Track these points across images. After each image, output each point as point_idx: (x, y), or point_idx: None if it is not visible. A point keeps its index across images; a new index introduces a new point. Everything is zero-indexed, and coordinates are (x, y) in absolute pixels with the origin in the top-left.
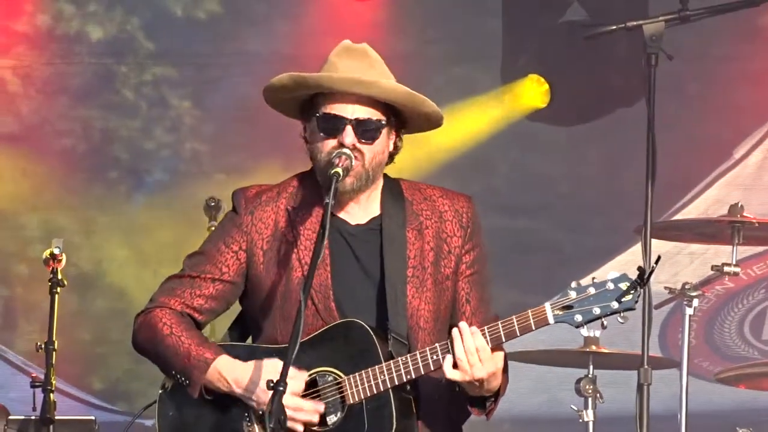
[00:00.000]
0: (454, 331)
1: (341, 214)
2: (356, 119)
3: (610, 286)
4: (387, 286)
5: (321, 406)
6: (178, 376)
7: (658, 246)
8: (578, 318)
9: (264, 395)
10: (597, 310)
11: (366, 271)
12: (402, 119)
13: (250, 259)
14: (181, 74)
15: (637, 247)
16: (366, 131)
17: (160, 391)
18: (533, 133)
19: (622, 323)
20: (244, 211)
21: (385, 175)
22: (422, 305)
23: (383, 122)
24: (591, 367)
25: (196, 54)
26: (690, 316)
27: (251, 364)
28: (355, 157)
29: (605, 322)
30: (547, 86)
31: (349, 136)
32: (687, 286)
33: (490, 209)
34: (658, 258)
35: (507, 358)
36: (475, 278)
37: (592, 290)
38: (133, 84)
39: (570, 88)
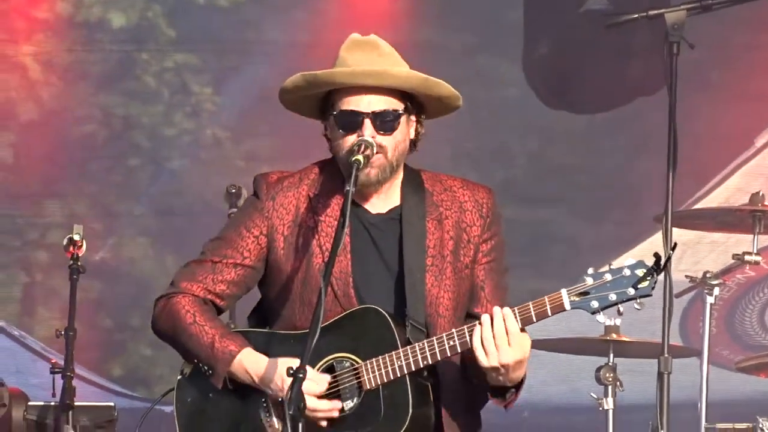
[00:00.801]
0: (485, 316)
1: (362, 202)
2: (373, 112)
3: (627, 272)
4: (406, 274)
5: (338, 404)
6: (201, 365)
7: (679, 235)
8: (594, 304)
9: (285, 389)
10: (613, 297)
11: (385, 260)
12: (420, 105)
13: (271, 244)
14: (203, 61)
15: (658, 237)
16: (384, 122)
17: (179, 377)
18: (553, 122)
19: (638, 309)
20: (265, 197)
21: (406, 166)
22: (441, 293)
23: (400, 111)
24: (611, 355)
25: (218, 41)
26: (711, 304)
27: (276, 359)
28: (377, 150)
29: (621, 309)
30: None
31: (368, 129)
32: (708, 275)
33: (509, 200)
34: (675, 245)
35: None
36: (491, 266)
37: (608, 276)
38: (155, 71)
39: (591, 78)
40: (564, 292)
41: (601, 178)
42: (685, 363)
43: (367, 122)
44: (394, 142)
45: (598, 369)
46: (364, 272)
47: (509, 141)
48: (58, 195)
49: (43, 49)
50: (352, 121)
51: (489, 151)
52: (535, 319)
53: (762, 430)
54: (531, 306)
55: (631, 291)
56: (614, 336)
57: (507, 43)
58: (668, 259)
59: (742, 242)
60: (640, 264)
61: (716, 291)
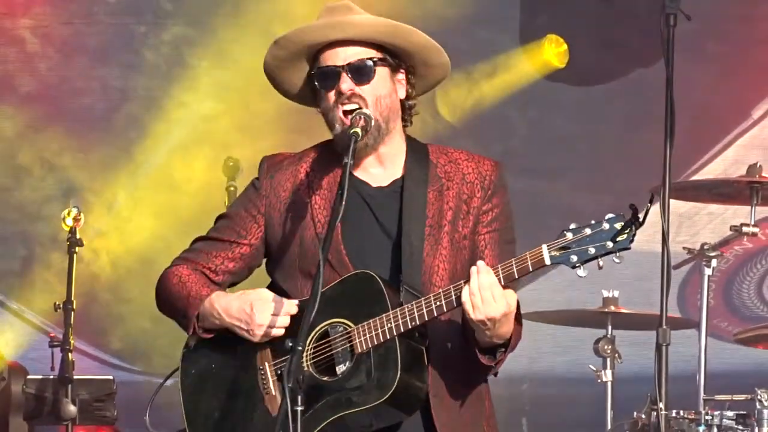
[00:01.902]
0: (472, 268)
1: (362, 176)
2: (348, 64)
3: (606, 226)
4: (403, 241)
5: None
6: (179, 318)
7: (676, 206)
8: (573, 258)
9: (247, 316)
10: (592, 250)
11: (385, 229)
12: (406, 63)
13: (268, 222)
14: (200, 34)
15: (655, 208)
16: (360, 72)
17: (184, 350)
18: (552, 93)
19: (618, 263)
20: (264, 176)
21: (413, 139)
22: (437, 263)
23: (376, 59)
24: (610, 327)
25: (215, 14)
26: (709, 276)
27: (240, 293)
28: (359, 104)
29: (601, 263)
30: (565, 46)
31: (345, 82)
32: (705, 247)
33: (509, 171)
34: (652, 197)
35: (520, 306)
36: (492, 236)
37: (588, 231)
38: (152, 43)
39: (589, 49)
40: (544, 247)
41: (599, 150)
42: (684, 335)
43: (344, 75)
44: (375, 95)
45: (597, 341)
46: (358, 239)
47: (508, 111)
48: (57, 168)
49: (41, 23)
50: (330, 77)
51: (488, 122)
52: (516, 275)
53: (760, 401)
54: (513, 262)
55: (610, 244)
56: (613, 308)
57: (505, 14)
58: (646, 211)
59: (740, 214)
60: (618, 217)
61: (714, 263)
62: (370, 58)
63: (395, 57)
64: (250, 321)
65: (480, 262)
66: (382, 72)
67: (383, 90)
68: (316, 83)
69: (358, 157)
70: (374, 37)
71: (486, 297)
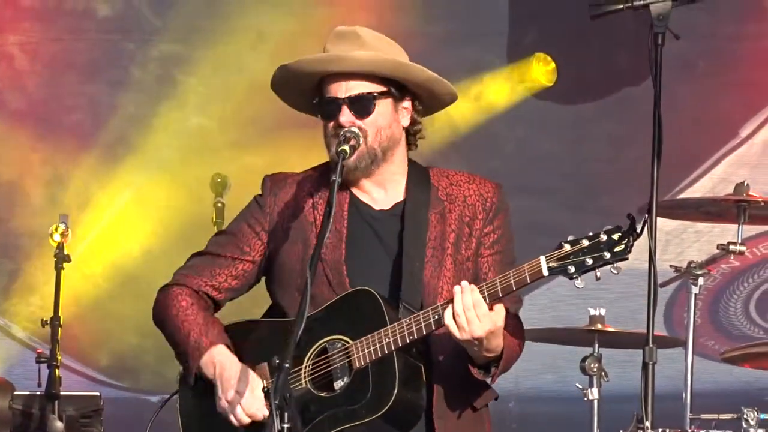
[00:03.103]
0: (456, 287)
1: (366, 200)
2: (349, 97)
3: (603, 237)
4: (404, 262)
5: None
6: (178, 355)
7: (663, 224)
8: (571, 269)
9: (225, 394)
10: (590, 261)
11: (387, 251)
12: (413, 93)
13: (272, 240)
14: (188, 51)
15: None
16: (361, 107)
17: (179, 374)
18: (539, 112)
19: (615, 274)
20: (268, 193)
21: (414, 162)
22: (441, 284)
23: (376, 93)
24: (596, 345)
25: (203, 30)
26: (695, 294)
27: (241, 367)
28: (359, 136)
29: (599, 274)
30: (553, 65)
31: (344, 115)
32: (692, 265)
33: None
34: (649, 209)
35: (522, 323)
36: (495, 258)
37: (585, 242)
38: (140, 60)
39: (577, 67)
40: (542, 258)
41: (586, 168)
42: (670, 353)
43: (344, 108)
44: (375, 128)
45: (584, 359)
46: (360, 261)
47: (495, 130)
48: (44, 184)
49: (30, 39)
50: (331, 108)
51: (475, 140)
52: (515, 287)
53: (746, 420)
54: (511, 274)
55: (607, 255)
56: (599, 326)
57: (492, 32)
58: (644, 222)
59: (727, 232)
60: (616, 228)
61: (701, 281)
62: (371, 93)
63: (400, 87)
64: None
65: (464, 282)
66: (383, 104)
67: (383, 122)
68: (317, 113)
69: (357, 180)
70: (376, 72)
71: (470, 317)
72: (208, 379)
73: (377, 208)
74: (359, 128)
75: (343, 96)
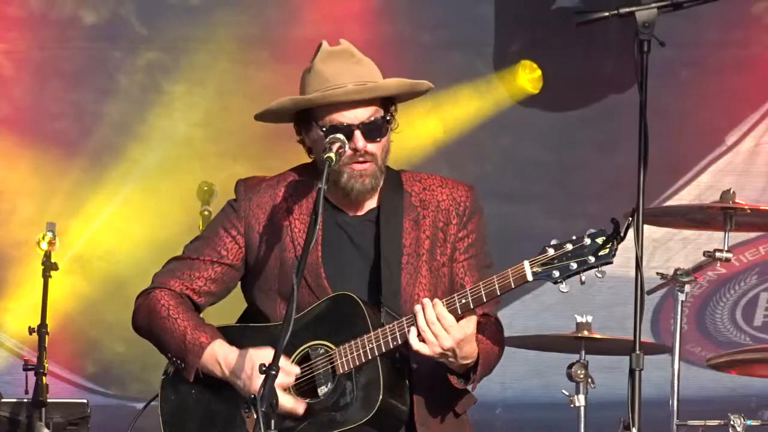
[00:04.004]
0: (417, 306)
1: (339, 205)
2: (361, 123)
3: (587, 241)
4: (383, 266)
5: (302, 404)
6: (174, 358)
7: (650, 232)
8: (555, 274)
9: (252, 382)
10: (574, 265)
11: (362, 255)
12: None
13: (248, 243)
14: (174, 59)
15: (629, 233)
16: (373, 132)
17: (163, 377)
18: (525, 119)
19: (600, 278)
20: (242, 198)
21: (387, 167)
22: (417, 291)
23: (387, 118)
24: (583, 352)
25: (190, 39)
26: (682, 302)
27: (246, 352)
28: (368, 159)
29: (583, 278)
30: (539, 72)
31: (360, 141)
32: (679, 272)
33: (482, 195)
34: (633, 213)
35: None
36: (471, 262)
37: (569, 246)
38: (127, 69)
39: (562, 75)
40: (526, 263)
41: (572, 175)
42: (657, 360)
43: (358, 134)
44: (383, 149)
45: (570, 366)
46: (336, 263)
47: (481, 137)
48: (31, 192)
49: (16, 47)
50: (344, 134)
51: (461, 147)
52: (499, 292)
53: (733, 427)
54: (495, 279)
55: (592, 259)
56: (586, 333)
57: (478, 39)
58: (628, 226)
59: (714, 239)
60: (600, 232)
61: (687, 288)
62: (383, 117)
63: (390, 101)
64: (249, 384)
65: (425, 300)
66: (388, 124)
67: (386, 141)
68: (323, 136)
69: (344, 192)
70: (392, 95)
71: (436, 331)
72: (213, 376)
73: (351, 213)
74: (370, 153)
75: (355, 122)
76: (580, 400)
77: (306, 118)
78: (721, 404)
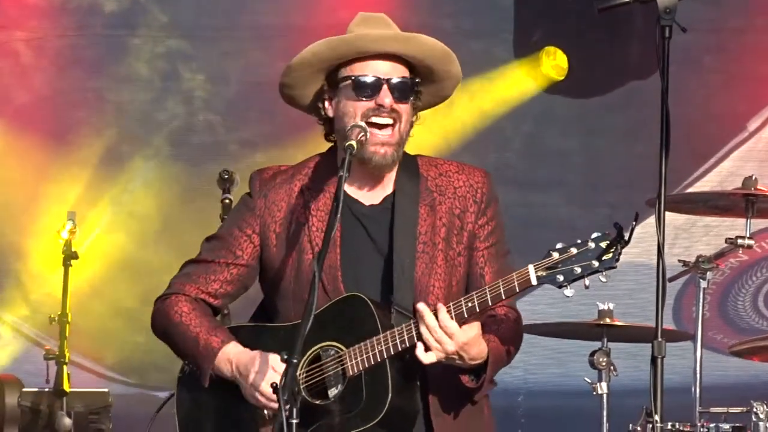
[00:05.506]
0: (418, 314)
1: (356, 195)
2: (389, 79)
3: (591, 245)
4: (395, 261)
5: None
6: (190, 364)
7: (672, 219)
8: (560, 278)
9: (256, 382)
10: (578, 270)
11: (378, 248)
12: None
13: (264, 243)
14: (195, 47)
15: (650, 221)
16: (402, 91)
17: (179, 375)
18: (547, 106)
19: (604, 282)
20: (257, 195)
21: (404, 152)
22: (432, 281)
23: (416, 80)
24: (605, 339)
25: (210, 26)
26: (704, 289)
27: (256, 354)
28: (393, 119)
29: (587, 282)
30: (564, 58)
31: (387, 96)
32: (701, 259)
33: (504, 183)
34: (637, 215)
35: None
36: (491, 251)
37: (573, 250)
38: (147, 56)
39: (584, 62)
40: (531, 267)
41: (594, 162)
42: (679, 347)
43: (385, 89)
44: (406, 115)
45: (592, 353)
46: (353, 265)
47: (503, 124)
48: (52, 180)
49: (36, 35)
50: (371, 86)
51: (482, 135)
52: (504, 296)
53: (756, 414)
54: (500, 283)
55: (596, 263)
56: (608, 320)
57: (500, 28)
58: (632, 230)
59: (735, 226)
60: (603, 236)
61: (709, 275)
62: (412, 78)
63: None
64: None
65: (420, 305)
66: (414, 94)
67: (410, 112)
68: (351, 89)
69: (359, 177)
70: (425, 58)
71: (440, 338)
72: (226, 378)
73: (367, 203)
74: (396, 111)
75: (384, 77)
76: (603, 388)
77: (334, 81)
78: (743, 391)
